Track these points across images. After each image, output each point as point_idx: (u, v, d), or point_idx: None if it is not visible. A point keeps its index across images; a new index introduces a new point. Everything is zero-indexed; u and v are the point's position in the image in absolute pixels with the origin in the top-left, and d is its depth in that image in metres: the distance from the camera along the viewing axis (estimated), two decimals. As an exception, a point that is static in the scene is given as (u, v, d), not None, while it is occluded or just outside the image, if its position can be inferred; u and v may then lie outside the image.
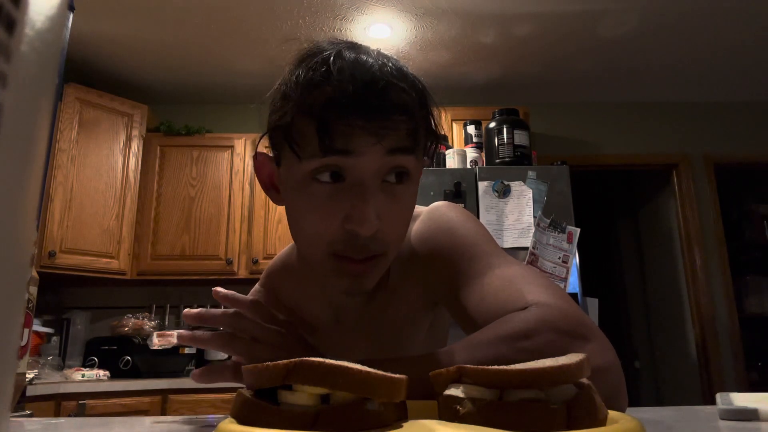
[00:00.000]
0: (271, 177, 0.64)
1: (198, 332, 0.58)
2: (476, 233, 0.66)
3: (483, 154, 2.89)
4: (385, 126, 0.53)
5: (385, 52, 0.59)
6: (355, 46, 0.58)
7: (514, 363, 0.37)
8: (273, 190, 0.65)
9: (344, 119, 0.52)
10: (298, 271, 0.75)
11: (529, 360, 0.38)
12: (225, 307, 0.60)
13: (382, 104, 0.53)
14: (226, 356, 2.80)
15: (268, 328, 0.58)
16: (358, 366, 0.35)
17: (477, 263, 0.62)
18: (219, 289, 0.59)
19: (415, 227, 0.70)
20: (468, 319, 0.60)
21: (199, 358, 2.84)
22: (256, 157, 0.65)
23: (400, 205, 0.58)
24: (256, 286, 0.81)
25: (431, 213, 0.71)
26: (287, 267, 0.77)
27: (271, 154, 0.63)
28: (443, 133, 3.11)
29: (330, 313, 0.73)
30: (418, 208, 0.74)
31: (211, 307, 2.54)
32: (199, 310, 0.58)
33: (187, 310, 0.57)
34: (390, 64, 0.56)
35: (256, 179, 3.24)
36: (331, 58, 0.54)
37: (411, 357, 0.52)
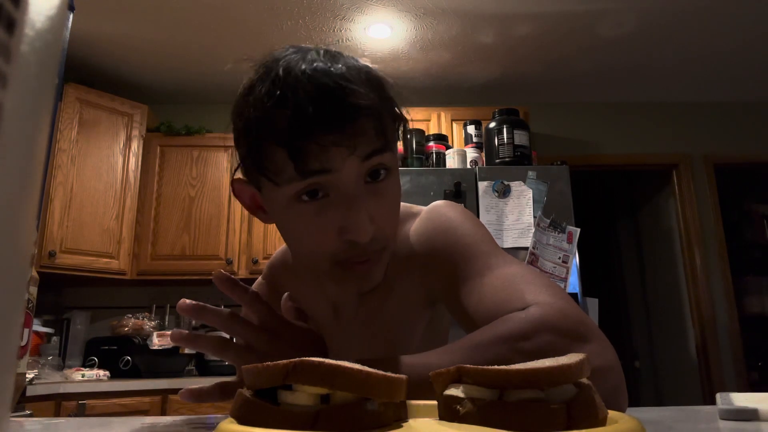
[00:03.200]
0: (253, 199, 0.64)
1: (192, 334, 0.56)
2: (475, 232, 0.66)
3: (483, 154, 2.89)
4: (354, 134, 0.53)
5: (331, 50, 0.58)
6: (301, 51, 0.57)
7: (513, 363, 0.37)
8: (260, 211, 0.65)
9: (313, 140, 0.52)
10: (295, 266, 0.76)
11: (529, 361, 0.38)
12: (223, 300, 0.59)
13: (345, 114, 0.53)
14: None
15: (261, 334, 0.56)
16: (358, 366, 0.35)
17: (476, 263, 0.62)
18: (220, 273, 0.56)
19: (414, 226, 0.71)
20: (467, 318, 0.60)
21: (200, 359, 2.84)
22: (233, 184, 0.64)
23: (388, 200, 0.59)
24: (259, 279, 0.82)
25: (430, 212, 0.71)
26: (286, 262, 0.78)
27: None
28: (406, 115, 3.07)
29: (327, 308, 0.74)
30: (418, 207, 0.74)
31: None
32: (195, 302, 0.54)
33: (182, 300, 0.54)
34: (339, 66, 0.55)
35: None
36: (282, 79, 0.53)
37: (410, 356, 0.52)
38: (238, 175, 0.63)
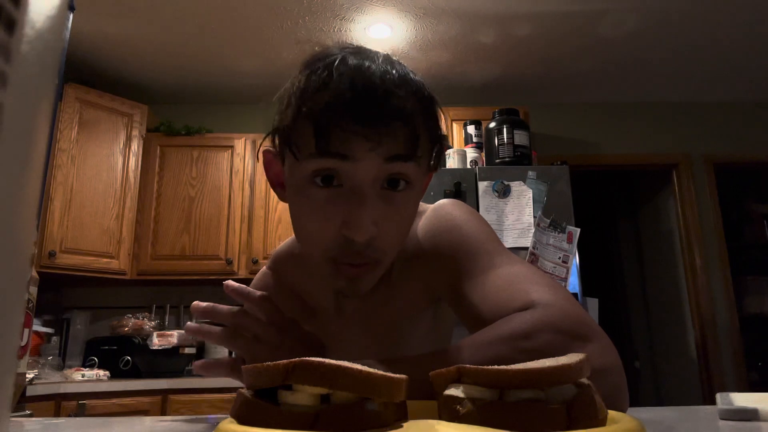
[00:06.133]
0: (278, 175, 0.65)
1: (204, 326, 0.59)
2: (480, 231, 0.67)
3: (483, 154, 2.89)
4: (382, 132, 0.53)
5: (393, 58, 0.60)
6: (361, 52, 0.58)
7: (514, 363, 0.37)
8: (279, 187, 0.66)
9: (341, 124, 0.53)
10: (301, 257, 0.76)
11: (530, 360, 0.38)
12: (232, 303, 0.61)
13: (380, 111, 0.53)
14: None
15: (269, 328, 0.58)
16: (358, 366, 0.35)
17: (479, 261, 0.62)
18: (230, 282, 0.60)
19: (420, 224, 0.71)
20: (470, 317, 0.60)
21: (199, 358, 2.84)
22: (265, 154, 0.66)
23: (399, 213, 0.58)
24: (264, 268, 0.83)
25: (436, 210, 0.72)
26: (292, 253, 0.79)
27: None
28: (446, 139, 3.11)
29: (330, 300, 0.74)
30: (424, 205, 0.75)
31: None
32: (206, 304, 0.59)
33: (195, 303, 0.58)
34: (393, 72, 0.56)
35: (256, 179, 3.22)
36: (335, 64, 0.55)
37: (412, 356, 0.53)
38: (267, 145, 0.65)
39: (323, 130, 0.54)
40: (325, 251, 0.58)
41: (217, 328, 0.59)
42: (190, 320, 2.45)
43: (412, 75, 0.59)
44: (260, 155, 0.67)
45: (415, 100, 0.56)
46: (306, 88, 0.56)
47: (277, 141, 0.61)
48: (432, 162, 0.63)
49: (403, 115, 0.54)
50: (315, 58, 0.58)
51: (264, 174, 3.33)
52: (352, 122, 0.53)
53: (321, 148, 0.54)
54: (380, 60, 0.57)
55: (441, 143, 0.62)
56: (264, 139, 0.64)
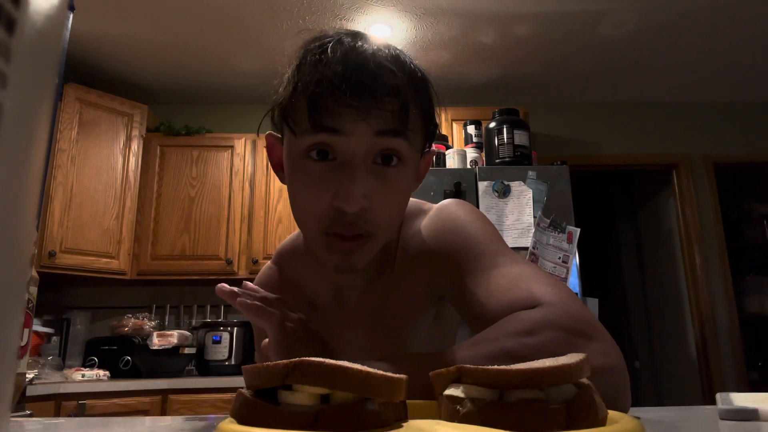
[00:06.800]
0: (280, 158, 0.67)
1: (237, 292, 0.60)
2: (483, 231, 0.67)
3: (483, 154, 2.89)
4: (373, 106, 0.55)
5: (389, 43, 0.61)
6: (357, 35, 0.60)
7: (517, 357, 0.37)
8: (281, 170, 0.67)
9: (333, 97, 0.54)
10: (304, 251, 0.78)
11: (533, 355, 0.38)
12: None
13: (371, 86, 0.55)
14: (225, 357, 2.76)
15: (289, 315, 0.61)
16: (358, 366, 0.35)
17: (482, 261, 0.63)
18: (247, 283, 0.64)
19: (424, 223, 0.72)
20: (474, 316, 0.60)
21: (200, 358, 2.84)
22: (268, 138, 0.68)
23: (391, 188, 0.59)
24: (269, 263, 0.84)
25: (440, 210, 0.72)
26: (295, 247, 0.80)
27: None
28: (440, 126, 3.10)
29: (331, 293, 0.75)
30: (428, 205, 0.75)
31: (211, 306, 2.56)
32: (233, 288, 0.60)
33: (222, 284, 0.59)
34: (387, 51, 0.58)
35: (256, 179, 3.21)
36: (331, 44, 0.57)
37: (419, 355, 0.53)
38: (264, 130, 0.68)
39: (316, 104, 0.55)
40: (319, 223, 0.59)
41: (248, 302, 0.59)
42: (189, 320, 2.45)
43: (408, 58, 0.60)
44: (266, 138, 0.69)
45: (406, 77, 0.57)
46: (301, 65, 0.58)
47: (274, 121, 0.63)
48: (427, 144, 0.64)
49: (393, 90, 0.56)
50: (312, 39, 0.60)
51: (264, 174, 3.31)
52: (342, 96, 0.54)
53: (314, 122, 0.55)
54: (376, 41, 0.59)
55: (433, 124, 0.63)
56: (264, 116, 0.65)
